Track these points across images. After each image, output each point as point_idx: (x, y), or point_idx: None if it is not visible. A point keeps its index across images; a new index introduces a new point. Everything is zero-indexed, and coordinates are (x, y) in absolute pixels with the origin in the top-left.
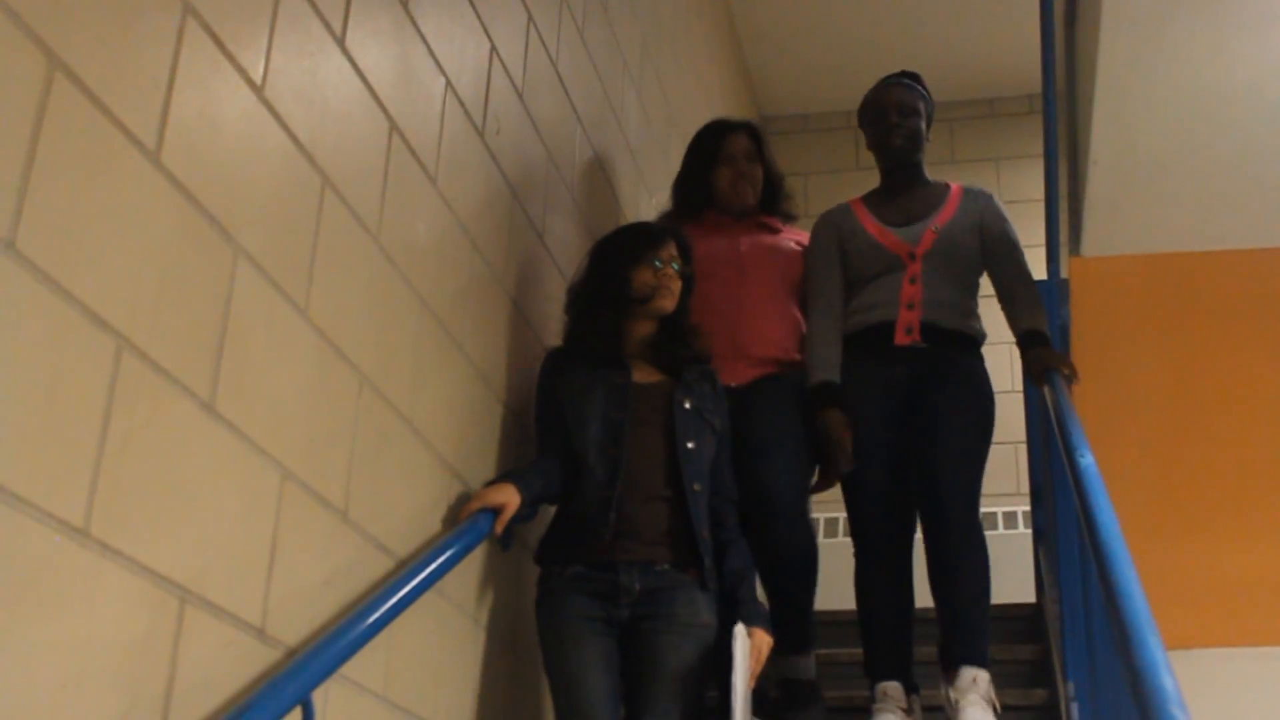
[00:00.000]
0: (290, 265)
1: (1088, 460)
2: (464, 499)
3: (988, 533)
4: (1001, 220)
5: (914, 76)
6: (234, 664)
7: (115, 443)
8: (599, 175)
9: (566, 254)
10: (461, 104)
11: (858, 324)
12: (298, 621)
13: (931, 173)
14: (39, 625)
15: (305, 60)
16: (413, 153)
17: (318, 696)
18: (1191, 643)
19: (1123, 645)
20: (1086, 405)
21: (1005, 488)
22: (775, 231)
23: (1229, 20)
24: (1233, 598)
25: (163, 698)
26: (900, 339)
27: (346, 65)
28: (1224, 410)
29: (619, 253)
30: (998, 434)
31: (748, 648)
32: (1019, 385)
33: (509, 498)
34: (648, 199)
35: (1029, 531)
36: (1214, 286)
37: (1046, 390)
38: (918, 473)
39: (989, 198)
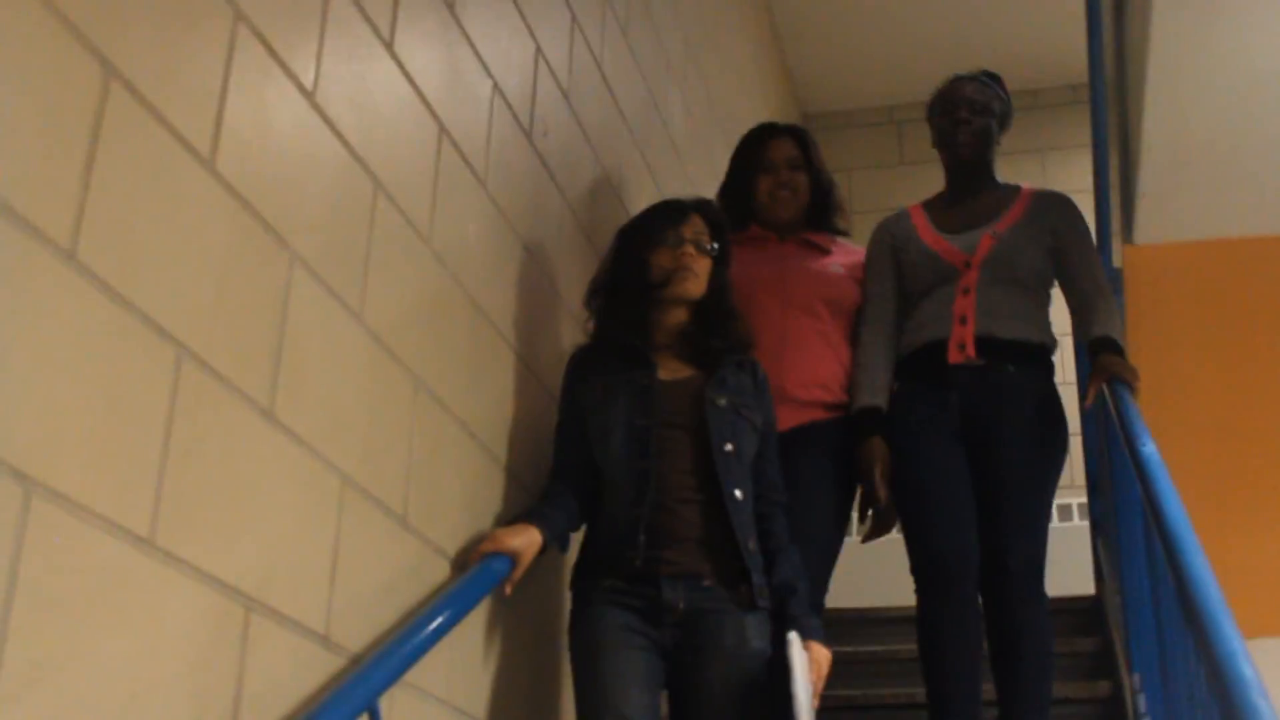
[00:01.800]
0: (345, 270)
1: (1150, 449)
2: (480, 538)
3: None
4: (1079, 229)
5: (993, 76)
6: (300, 672)
7: (178, 451)
8: (644, 175)
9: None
10: (509, 106)
11: (908, 345)
12: (361, 627)
13: None
14: (107, 637)
15: (355, 65)
16: (462, 156)
17: (383, 702)
18: (1258, 632)
19: (1199, 635)
20: (1144, 394)
21: (1061, 480)
22: (824, 252)
23: None
24: None
25: (231, 707)
26: (954, 357)
27: (395, 69)
28: None
29: (637, 235)
30: None
31: (805, 657)
32: (1071, 377)
33: (527, 542)
34: None
35: (1085, 523)
36: (1271, 271)
37: (1107, 391)
38: (979, 533)
39: (1066, 203)
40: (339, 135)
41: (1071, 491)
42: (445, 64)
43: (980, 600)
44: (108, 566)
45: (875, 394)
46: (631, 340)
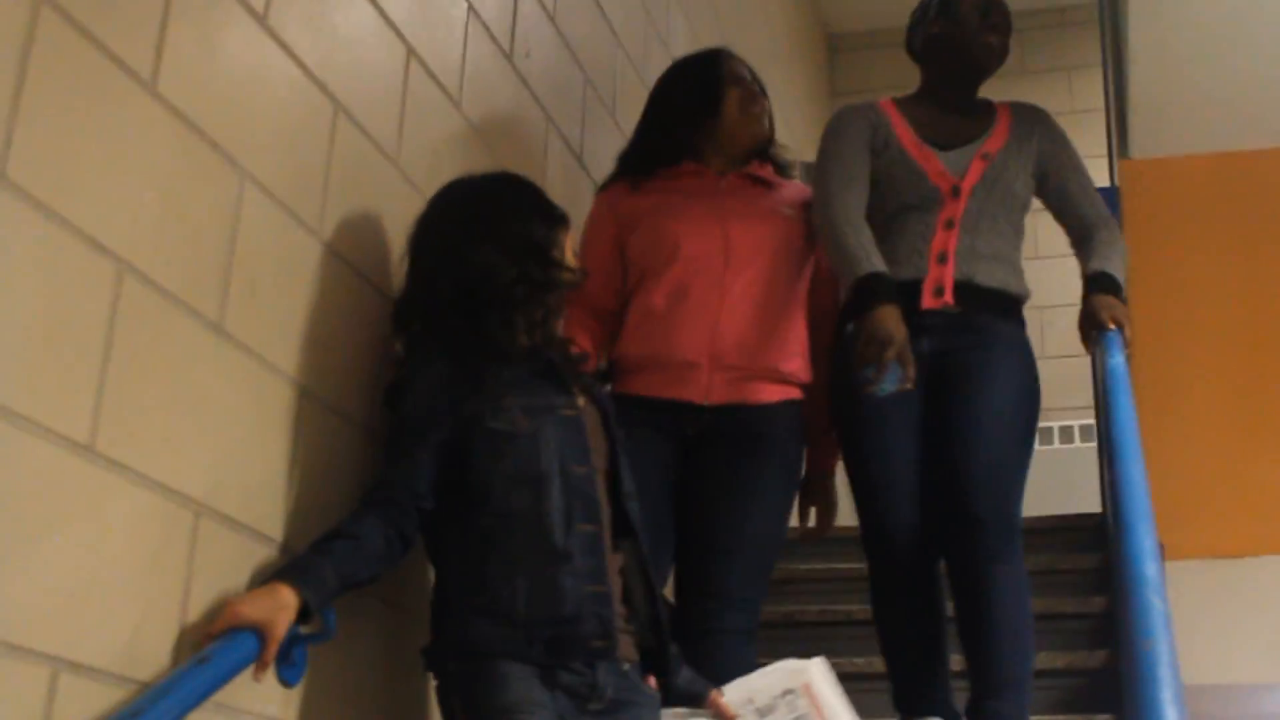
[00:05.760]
0: (301, 189)
1: (1116, 360)
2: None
3: (1058, 445)
4: (1069, 148)
5: None
6: (254, 577)
7: (119, 362)
8: (642, 95)
9: (607, 174)
10: (486, 28)
11: None
12: (319, 533)
13: (1004, 86)
14: (44, 538)
15: None
16: (433, 78)
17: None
18: (1249, 550)
19: (1116, 537)
20: (1141, 311)
21: (1076, 400)
22: (769, 186)
23: None
24: None
25: (179, 606)
26: (928, 302)
27: None
28: None
29: (533, 213)
30: (1063, 349)
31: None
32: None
33: (273, 610)
34: None
35: (1090, 445)
36: (1265, 184)
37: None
38: (944, 486)
39: (1047, 118)
40: (294, 58)
41: (1084, 413)
42: None
43: (944, 563)
44: (45, 472)
45: (875, 257)
46: (547, 352)
